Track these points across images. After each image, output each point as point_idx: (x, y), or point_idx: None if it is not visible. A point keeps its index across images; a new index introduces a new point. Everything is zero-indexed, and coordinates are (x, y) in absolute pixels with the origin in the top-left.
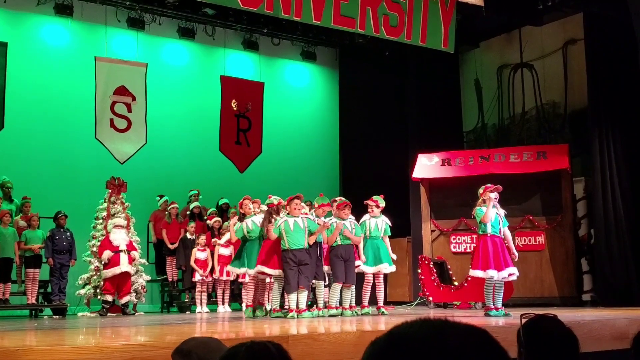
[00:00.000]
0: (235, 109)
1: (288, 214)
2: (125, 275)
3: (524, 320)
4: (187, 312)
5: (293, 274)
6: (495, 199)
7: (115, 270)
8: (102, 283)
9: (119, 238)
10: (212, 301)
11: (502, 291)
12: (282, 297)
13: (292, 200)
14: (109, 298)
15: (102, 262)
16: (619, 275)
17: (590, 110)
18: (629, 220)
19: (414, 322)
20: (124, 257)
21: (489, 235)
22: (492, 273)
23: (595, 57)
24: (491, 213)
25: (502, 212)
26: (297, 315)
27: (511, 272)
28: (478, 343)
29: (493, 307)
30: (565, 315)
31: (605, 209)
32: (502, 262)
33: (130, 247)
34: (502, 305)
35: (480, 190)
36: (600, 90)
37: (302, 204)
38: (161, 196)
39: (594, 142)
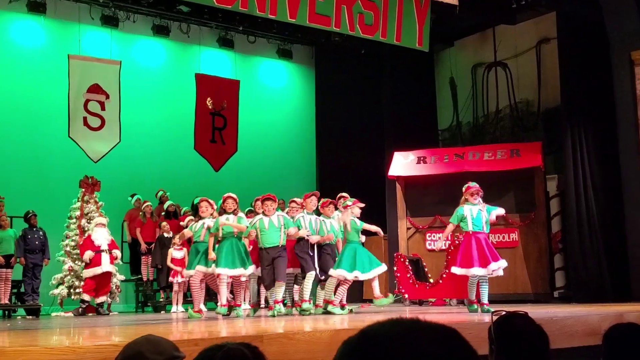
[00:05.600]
0: (210, 107)
1: (263, 212)
2: (106, 275)
3: (494, 318)
4: (162, 312)
5: (267, 272)
6: (477, 195)
7: (96, 270)
8: (76, 282)
9: (101, 237)
10: (187, 300)
11: (487, 287)
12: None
13: (264, 200)
14: (87, 297)
15: (84, 262)
16: (591, 272)
17: (563, 108)
18: (601, 217)
19: (386, 322)
20: (105, 257)
21: (471, 232)
22: (474, 271)
23: (568, 55)
24: (473, 210)
25: (484, 206)
26: (275, 307)
27: (499, 266)
28: (448, 341)
29: (475, 301)
30: (539, 311)
31: (578, 205)
32: (488, 258)
33: (111, 247)
34: (477, 300)
35: (463, 189)
36: (573, 88)
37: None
38: (133, 195)
39: (566, 139)
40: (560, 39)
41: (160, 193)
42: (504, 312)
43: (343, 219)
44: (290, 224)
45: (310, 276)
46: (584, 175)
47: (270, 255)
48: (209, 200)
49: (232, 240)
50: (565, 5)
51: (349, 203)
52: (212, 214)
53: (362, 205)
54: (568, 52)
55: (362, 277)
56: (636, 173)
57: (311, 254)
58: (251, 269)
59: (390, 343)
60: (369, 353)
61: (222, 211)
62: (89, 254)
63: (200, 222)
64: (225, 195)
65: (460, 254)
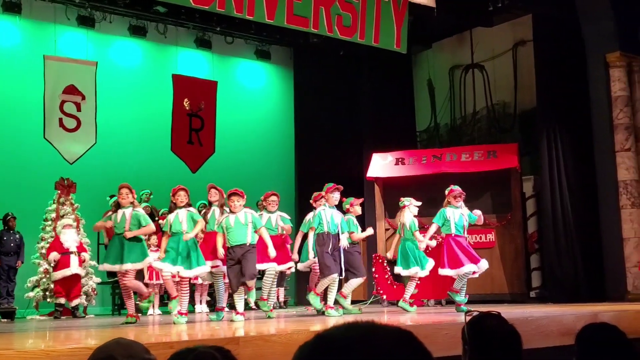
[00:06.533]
0: (187, 108)
1: (230, 209)
2: (76, 277)
3: (468, 318)
4: (138, 314)
5: (233, 272)
6: (460, 199)
7: (65, 273)
8: (51, 285)
9: (70, 239)
10: (164, 303)
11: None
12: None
13: (230, 195)
14: (62, 300)
15: (50, 264)
16: (567, 272)
17: (539, 110)
18: (576, 218)
19: (342, 325)
20: (74, 259)
21: (452, 235)
22: (466, 269)
23: (543, 58)
24: (455, 214)
25: (466, 210)
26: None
27: (474, 270)
28: (403, 344)
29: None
30: (514, 311)
31: (554, 206)
32: (475, 255)
33: (80, 249)
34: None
35: (446, 192)
36: (549, 90)
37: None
38: (112, 196)
39: (542, 141)
40: (536, 42)
41: (145, 192)
42: (476, 313)
43: (403, 219)
44: (259, 222)
45: (330, 279)
46: (560, 176)
47: (236, 254)
48: (130, 187)
49: (119, 237)
50: (541, 7)
51: (406, 203)
52: (132, 202)
53: (419, 203)
54: (544, 55)
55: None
56: (611, 174)
57: (330, 253)
58: (130, 265)
59: (345, 346)
60: (325, 357)
61: (173, 205)
62: (53, 256)
63: (120, 212)
64: (176, 187)
65: (446, 256)
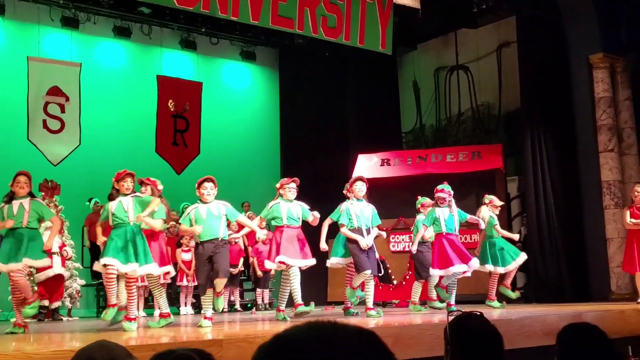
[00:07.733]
0: (172, 109)
1: (200, 199)
2: (59, 278)
3: (450, 318)
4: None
5: (203, 271)
6: (444, 201)
7: (48, 273)
8: (35, 287)
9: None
10: (148, 305)
11: (455, 288)
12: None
13: (203, 182)
14: (45, 303)
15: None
16: (551, 272)
17: (523, 111)
18: (560, 218)
19: (302, 325)
20: (56, 259)
21: (443, 234)
22: (455, 269)
23: (527, 59)
24: (444, 212)
25: (456, 209)
26: (202, 323)
27: (464, 270)
28: (364, 344)
29: (437, 299)
30: (498, 311)
31: (538, 207)
32: (467, 254)
33: (61, 249)
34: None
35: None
36: (533, 91)
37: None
38: (91, 199)
39: (526, 142)
40: (520, 43)
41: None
42: (459, 312)
43: (483, 214)
44: (233, 213)
45: (364, 276)
46: (544, 176)
47: (206, 250)
48: (29, 175)
49: (16, 231)
50: (525, 9)
51: (485, 201)
52: (30, 192)
53: (501, 203)
54: (528, 56)
55: (500, 270)
56: (594, 175)
57: (363, 249)
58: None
59: (305, 346)
60: (283, 357)
61: (116, 192)
62: None
63: (16, 203)
64: (122, 172)
65: (437, 256)
